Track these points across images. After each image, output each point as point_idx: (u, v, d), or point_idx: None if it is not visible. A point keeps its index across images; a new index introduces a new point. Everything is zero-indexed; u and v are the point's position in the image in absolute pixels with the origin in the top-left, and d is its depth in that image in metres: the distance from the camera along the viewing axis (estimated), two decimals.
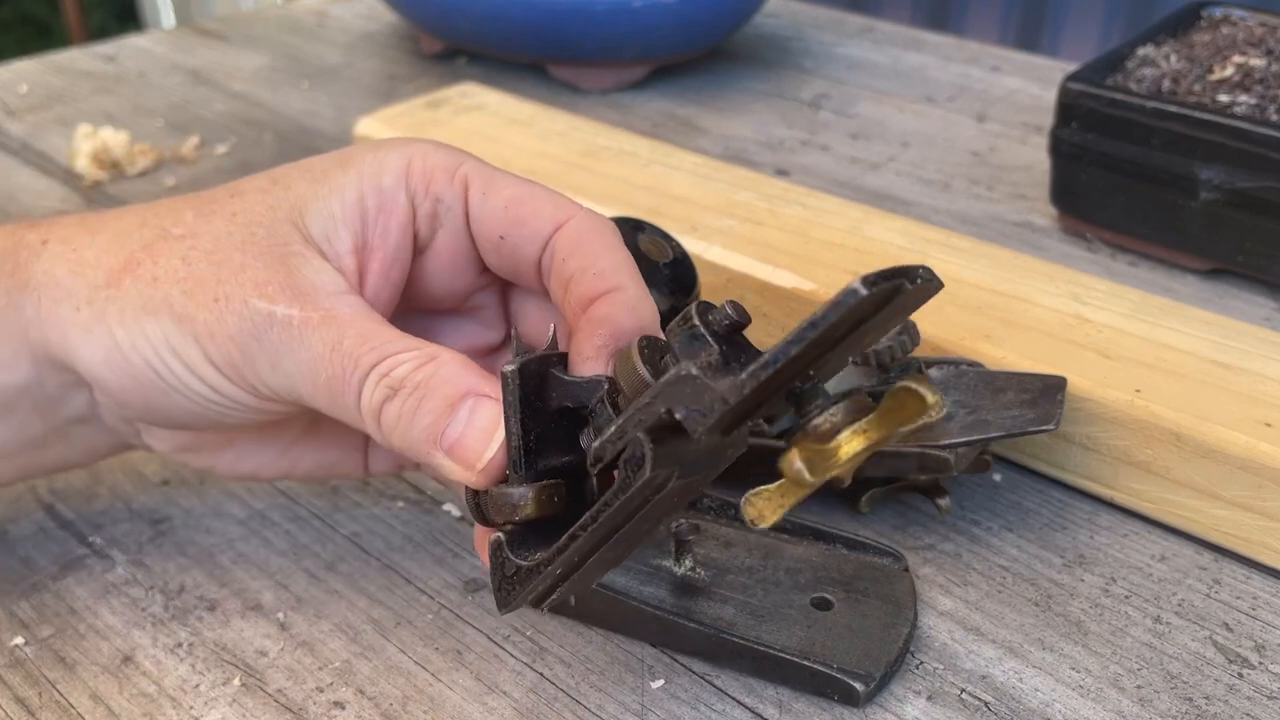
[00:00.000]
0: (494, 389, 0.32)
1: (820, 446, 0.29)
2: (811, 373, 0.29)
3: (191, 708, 0.36)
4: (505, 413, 0.31)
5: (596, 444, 0.30)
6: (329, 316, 0.33)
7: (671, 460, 0.29)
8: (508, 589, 0.32)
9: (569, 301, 0.34)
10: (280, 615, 0.39)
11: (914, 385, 0.28)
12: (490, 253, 0.36)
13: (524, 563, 0.31)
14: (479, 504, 0.33)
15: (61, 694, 0.36)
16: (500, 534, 0.32)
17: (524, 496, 0.31)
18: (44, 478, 0.44)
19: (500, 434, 0.31)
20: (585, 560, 0.31)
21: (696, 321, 0.29)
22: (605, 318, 0.32)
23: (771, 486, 0.30)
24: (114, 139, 0.70)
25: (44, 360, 0.36)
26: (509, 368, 0.31)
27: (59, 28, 2.46)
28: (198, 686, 0.36)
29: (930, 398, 0.28)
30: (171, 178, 0.70)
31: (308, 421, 0.39)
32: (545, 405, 0.32)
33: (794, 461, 0.28)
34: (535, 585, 0.31)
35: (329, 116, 0.78)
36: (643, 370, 0.30)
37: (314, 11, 0.99)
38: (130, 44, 0.92)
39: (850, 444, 0.29)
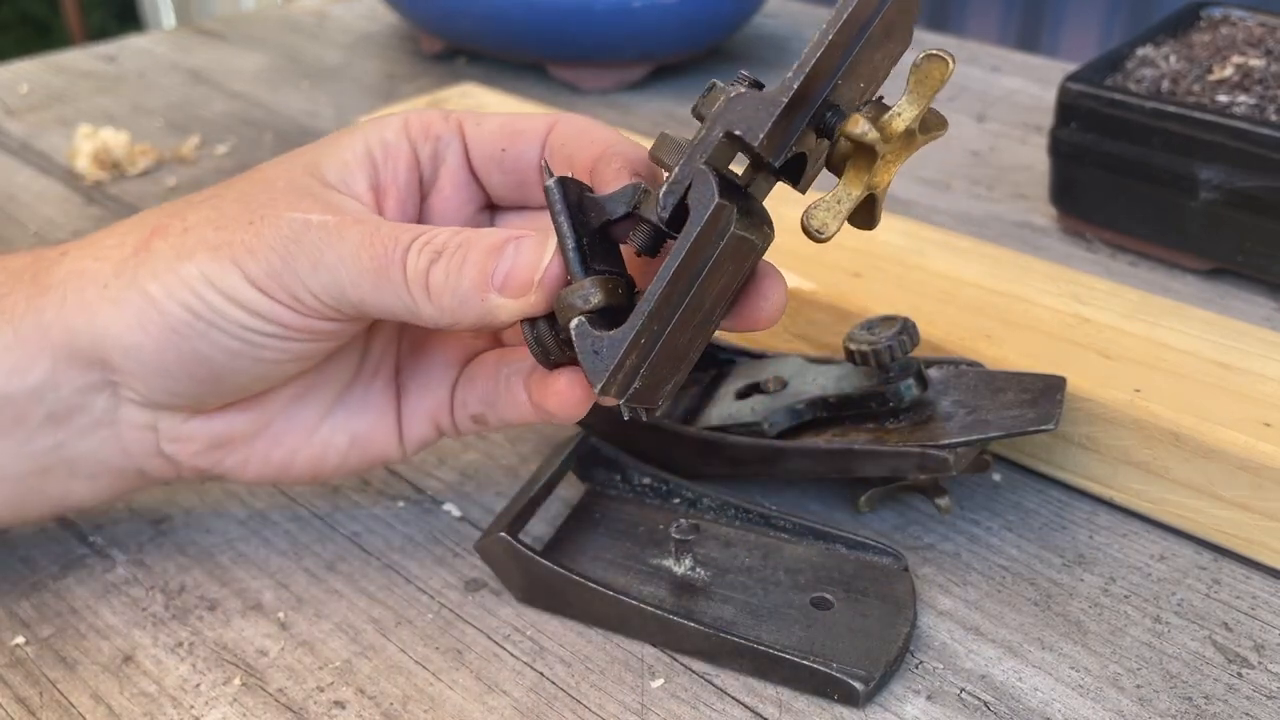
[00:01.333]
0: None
1: (877, 118, 0.31)
2: (831, 104, 0.31)
3: (192, 707, 0.36)
4: (555, 220, 0.32)
5: (663, 189, 0.32)
6: (361, 219, 0.35)
7: (731, 199, 0.31)
8: (598, 368, 0.32)
9: (576, 171, 0.36)
10: (280, 615, 0.39)
11: (934, 51, 0.30)
12: (492, 171, 0.38)
13: (608, 334, 0.32)
14: (538, 337, 0.34)
15: (62, 693, 0.36)
16: (581, 317, 0.32)
17: (592, 284, 0.32)
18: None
19: (550, 250, 0.33)
20: (663, 332, 0.32)
21: (720, 83, 0.31)
22: (616, 153, 0.35)
23: (827, 196, 0.32)
24: (114, 139, 0.70)
25: (64, 359, 0.36)
26: (550, 180, 0.32)
27: (59, 28, 2.46)
28: (198, 686, 0.36)
29: (950, 59, 0.30)
30: (172, 178, 0.70)
31: (341, 386, 0.39)
32: (587, 221, 0.33)
33: (860, 122, 0.30)
34: (621, 361, 0.32)
35: (329, 116, 0.78)
36: (682, 139, 0.32)
37: (314, 11, 0.99)
38: (130, 44, 0.92)
39: (896, 121, 0.31)
